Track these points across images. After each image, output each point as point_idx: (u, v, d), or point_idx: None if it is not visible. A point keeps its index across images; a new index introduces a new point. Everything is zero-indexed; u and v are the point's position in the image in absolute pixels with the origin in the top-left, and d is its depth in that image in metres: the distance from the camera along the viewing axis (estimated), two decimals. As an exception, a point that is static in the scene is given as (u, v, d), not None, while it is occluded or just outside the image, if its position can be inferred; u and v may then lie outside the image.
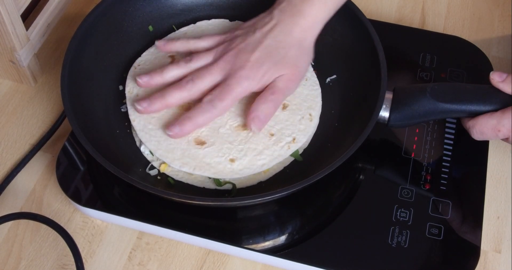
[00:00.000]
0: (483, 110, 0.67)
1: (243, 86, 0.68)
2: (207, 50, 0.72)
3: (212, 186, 0.70)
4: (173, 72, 0.71)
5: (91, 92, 0.73)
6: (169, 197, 0.65)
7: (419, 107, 0.68)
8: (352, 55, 0.76)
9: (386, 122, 0.70)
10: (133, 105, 0.71)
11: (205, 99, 0.68)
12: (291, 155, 0.71)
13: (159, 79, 0.71)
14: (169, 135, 0.69)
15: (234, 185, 0.70)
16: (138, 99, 0.71)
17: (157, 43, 0.75)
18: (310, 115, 0.73)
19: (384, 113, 0.69)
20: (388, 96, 0.70)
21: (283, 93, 0.70)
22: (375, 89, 0.70)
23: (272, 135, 0.71)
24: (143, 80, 0.71)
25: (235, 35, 0.72)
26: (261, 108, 0.68)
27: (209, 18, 0.81)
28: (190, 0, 0.82)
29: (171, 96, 0.69)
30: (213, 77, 0.69)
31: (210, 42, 0.73)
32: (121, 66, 0.78)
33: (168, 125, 0.69)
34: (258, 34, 0.70)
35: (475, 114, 0.68)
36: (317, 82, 0.76)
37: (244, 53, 0.69)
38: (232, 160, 0.69)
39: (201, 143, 0.70)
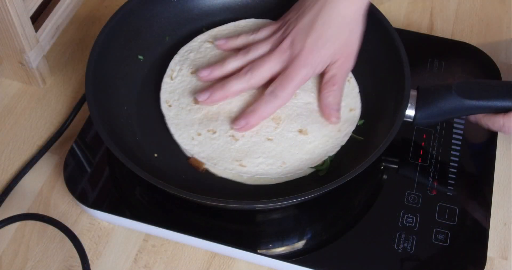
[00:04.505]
0: (509, 106, 0.67)
1: (302, 75, 0.71)
2: (264, 40, 0.75)
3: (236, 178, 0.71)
4: (232, 64, 0.74)
5: (114, 99, 0.74)
6: (202, 201, 0.64)
7: (445, 104, 0.69)
8: (373, 55, 0.76)
9: (412, 120, 0.70)
10: (195, 96, 0.74)
11: (267, 91, 0.71)
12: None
13: (219, 72, 0.74)
14: (236, 129, 0.71)
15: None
16: (199, 91, 0.73)
17: (217, 42, 0.78)
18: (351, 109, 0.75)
19: (410, 112, 0.70)
20: (413, 94, 0.70)
21: (342, 79, 0.73)
22: (398, 88, 0.70)
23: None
24: (204, 74, 0.74)
25: (287, 21, 0.74)
26: (330, 100, 0.72)
27: (225, 22, 0.82)
28: (206, 5, 0.82)
29: (231, 86, 0.72)
30: (271, 66, 0.72)
31: (266, 32, 0.76)
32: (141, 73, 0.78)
33: (233, 120, 0.72)
34: (307, 17, 0.72)
35: (500, 110, 0.68)
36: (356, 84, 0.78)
37: (297, 40, 0.71)
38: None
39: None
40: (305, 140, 0.71)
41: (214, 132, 0.72)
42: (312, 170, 0.71)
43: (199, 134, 0.72)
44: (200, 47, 0.79)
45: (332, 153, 0.71)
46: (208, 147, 0.71)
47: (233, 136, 0.71)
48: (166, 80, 0.77)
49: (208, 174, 0.71)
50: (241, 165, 0.70)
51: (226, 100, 0.73)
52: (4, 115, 0.81)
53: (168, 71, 0.77)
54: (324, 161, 0.71)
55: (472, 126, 0.77)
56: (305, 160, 0.70)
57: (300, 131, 0.72)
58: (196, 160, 0.71)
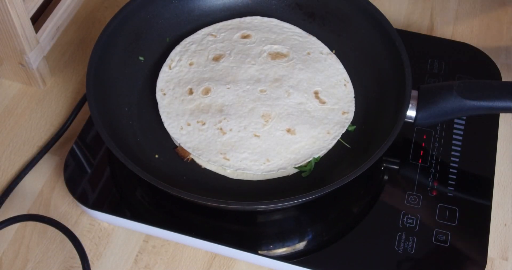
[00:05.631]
0: (509, 106, 0.67)
1: None
2: None
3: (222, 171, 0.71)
4: None
5: (114, 100, 0.74)
6: (203, 202, 0.64)
7: (446, 105, 0.68)
8: (374, 56, 0.77)
9: (413, 121, 0.70)
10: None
11: None
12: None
13: None
14: None
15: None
16: None
17: None
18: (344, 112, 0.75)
19: (411, 112, 0.70)
20: (414, 94, 0.70)
21: None
22: (399, 89, 0.70)
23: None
24: None
25: None
26: None
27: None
28: (207, 6, 0.82)
29: None
30: None
31: None
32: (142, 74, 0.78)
33: None
34: None
35: (501, 111, 0.68)
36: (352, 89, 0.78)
37: None
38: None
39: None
40: (292, 139, 0.72)
41: (203, 124, 0.72)
42: (296, 170, 0.71)
43: (189, 124, 0.73)
44: (202, 39, 0.80)
45: (317, 155, 0.71)
46: (195, 138, 0.72)
47: (221, 129, 0.72)
48: (164, 69, 0.78)
49: (209, 174, 0.71)
50: (225, 158, 0.70)
51: (219, 94, 0.74)
52: (4, 116, 0.81)
53: (168, 60, 0.78)
54: (308, 163, 0.71)
55: (472, 127, 0.77)
56: (289, 160, 0.71)
57: (288, 131, 0.72)
58: (182, 149, 0.72)
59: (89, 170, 0.73)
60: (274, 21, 0.82)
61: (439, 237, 0.69)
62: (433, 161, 0.74)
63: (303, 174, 0.71)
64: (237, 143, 0.71)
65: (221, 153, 0.71)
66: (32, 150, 0.78)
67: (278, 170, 0.70)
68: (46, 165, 0.77)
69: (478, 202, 0.72)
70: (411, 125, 0.71)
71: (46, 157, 0.77)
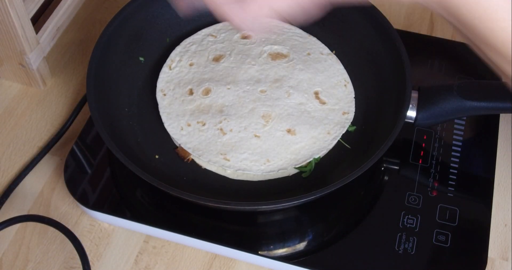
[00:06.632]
0: (509, 106, 0.68)
1: None
2: None
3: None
4: None
5: (115, 101, 0.74)
6: (204, 202, 0.64)
7: (447, 105, 0.69)
8: (374, 56, 0.77)
9: (413, 121, 0.70)
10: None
11: None
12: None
13: None
14: None
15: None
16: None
17: None
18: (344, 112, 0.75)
19: (411, 113, 0.70)
20: (414, 95, 0.70)
21: None
22: (399, 89, 0.70)
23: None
24: None
25: None
26: None
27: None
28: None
29: None
30: None
31: None
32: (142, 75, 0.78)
33: None
34: None
35: (501, 111, 0.68)
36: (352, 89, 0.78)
37: None
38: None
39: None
40: (293, 140, 0.72)
41: (204, 124, 0.72)
42: (296, 171, 0.71)
43: (189, 125, 0.73)
44: (202, 40, 0.80)
45: (317, 155, 0.71)
46: (195, 138, 0.72)
47: (221, 129, 0.72)
48: (164, 70, 0.78)
49: (209, 175, 0.72)
50: (225, 159, 0.71)
51: (219, 94, 0.74)
52: (4, 117, 0.81)
53: (168, 61, 0.78)
54: (309, 163, 0.71)
55: (472, 127, 0.77)
56: (290, 160, 0.71)
57: (289, 131, 0.72)
58: (183, 149, 0.72)
59: (89, 171, 0.73)
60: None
61: (439, 237, 0.69)
62: (433, 162, 0.74)
63: (304, 175, 0.71)
64: (237, 144, 0.71)
65: (221, 154, 0.71)
66: (33, 150, 0.78)
67: (279, 170, 0.70)
68: (47, 166, 0.77)
69: (478, 202, 0.72)
70: (411, 126, 0.71)
71: (46, 157, 0.77)
